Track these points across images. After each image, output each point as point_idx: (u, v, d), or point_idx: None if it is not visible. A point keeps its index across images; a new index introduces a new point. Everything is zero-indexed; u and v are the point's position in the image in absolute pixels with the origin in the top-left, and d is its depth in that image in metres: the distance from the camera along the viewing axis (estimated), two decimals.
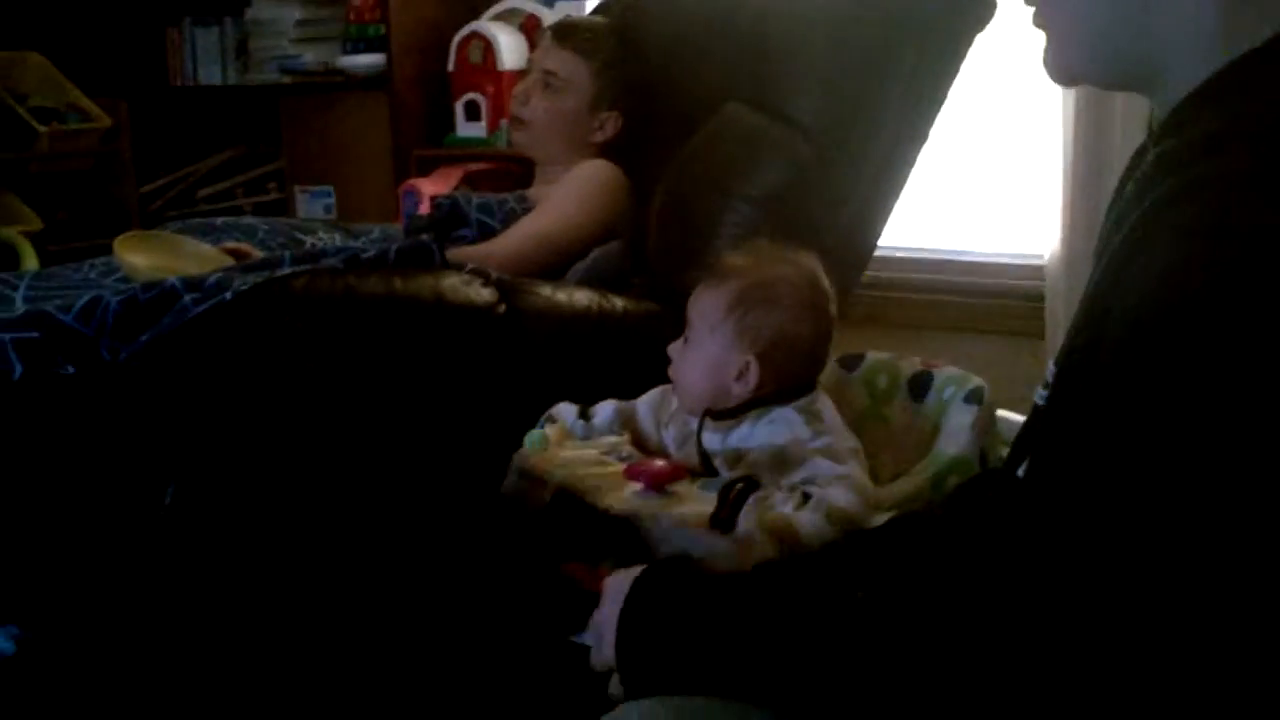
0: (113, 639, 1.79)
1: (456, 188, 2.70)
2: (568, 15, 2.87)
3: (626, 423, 1.64)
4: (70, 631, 1.81)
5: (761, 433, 1.49)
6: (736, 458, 1.50)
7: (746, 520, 1.33)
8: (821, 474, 1.41)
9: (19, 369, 1.81)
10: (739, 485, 1.36)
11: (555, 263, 2.31)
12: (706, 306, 1.53)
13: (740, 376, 1.51)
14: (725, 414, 1.52)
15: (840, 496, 1.37)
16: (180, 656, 1.79)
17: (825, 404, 1.53)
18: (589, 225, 2.36)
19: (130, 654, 1.79)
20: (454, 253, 2.21)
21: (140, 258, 2.22)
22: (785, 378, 1.51)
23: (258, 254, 2.39)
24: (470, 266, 2.11)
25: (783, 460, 1.45)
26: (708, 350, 1.52)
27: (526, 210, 2.41)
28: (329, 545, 1.87)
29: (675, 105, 2.50)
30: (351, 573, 1.87)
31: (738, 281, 1.53)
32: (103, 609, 1.81)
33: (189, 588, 1.79)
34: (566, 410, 1.65)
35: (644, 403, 1.66)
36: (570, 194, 2.40)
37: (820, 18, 2.33)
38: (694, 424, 1.55)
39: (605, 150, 2.49)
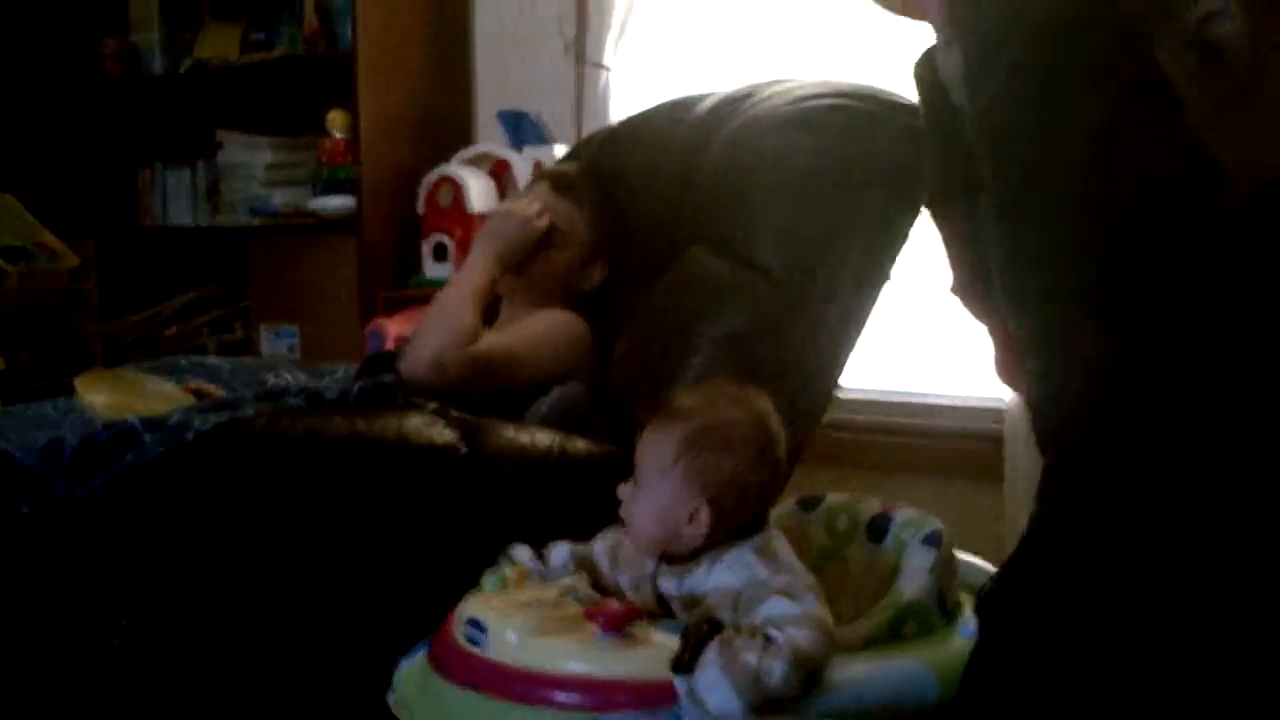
0: None
1: None
2: (551, 163, 2.85)
3: (581, 564, 1.63)
4: None
5: (718, 576, 1.49)
6: (693, 601, 1.49)
7: (709, 666, 1.32)
8: (781, 614, 1.39)
9: None
10: (703, 628, 1.35)
11: (505, 385, 2.30)
12: (655, 450, 1.53)
13: (691, 521, 1.50)
14: (681, 559, 1.52)
15: (803, 638, 1.36)
16: None
17: (780, 542, 1.52)
18: (548, 367, 2.36)
19: None
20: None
21: (100, 396, 2.21)
22: (737, 520, 1.51)
23: (221, 393, 2.39)
24: (433, 406, 2.11)
25: (740, 601, 1.44)
26: (658, 494, 1.52)
27: None
28: (282, 687, 1.85)
29: (641, 248, 2.52)
30: (304, 711, 1.85)
31: (686, 425, 1.52)
32: None
33: None
34: (521, 553, 1.64)
35: (599, 544, 1.65)
36: (539, 332, 2.40)
37: (781, 166, 2.36)
38: (649, 566, 1.55)
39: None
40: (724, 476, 1.50)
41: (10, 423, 2.19)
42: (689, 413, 1.54)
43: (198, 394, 2.37)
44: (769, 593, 1.42)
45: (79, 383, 2.25)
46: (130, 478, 1.86)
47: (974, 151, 1.15)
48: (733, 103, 2.56)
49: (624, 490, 1.57)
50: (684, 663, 1.33)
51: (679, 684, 1.33)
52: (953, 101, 1.20)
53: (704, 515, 1.49)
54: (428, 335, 2.28)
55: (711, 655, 1.32)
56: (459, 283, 2.39)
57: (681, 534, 1.51)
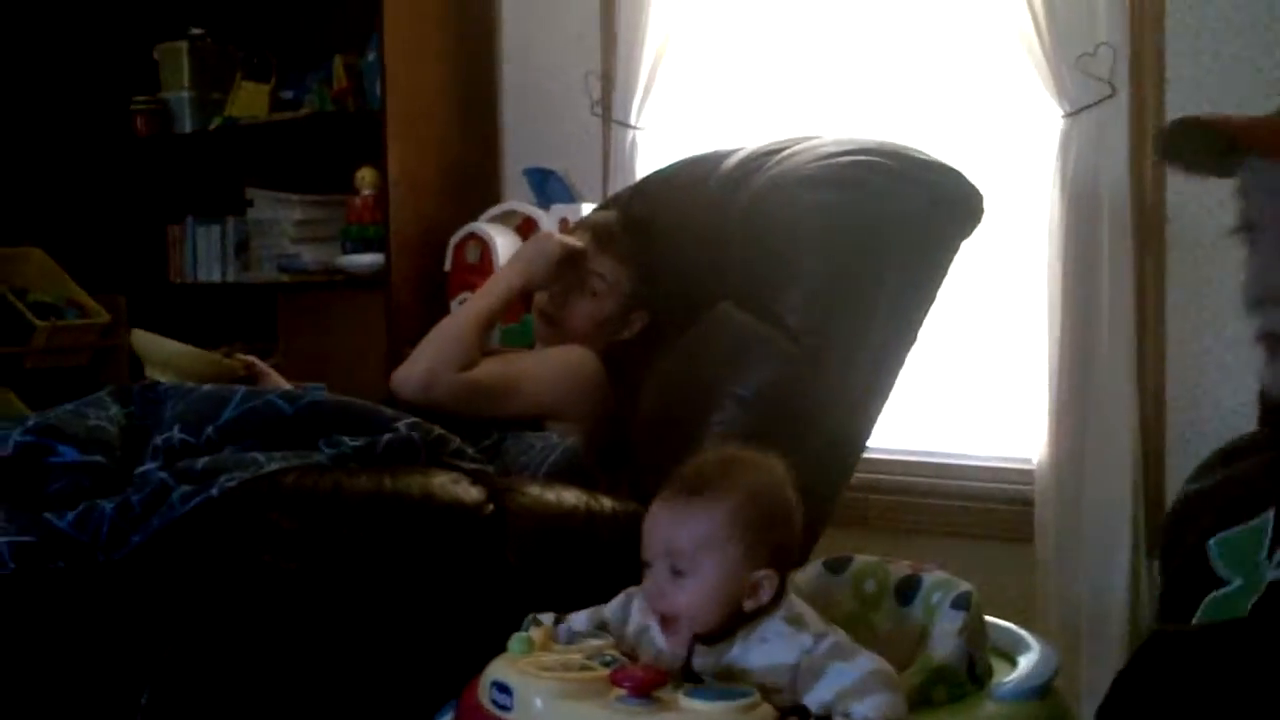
0: None
1: None
2: (598, 217, 2.84)
3: (600, 629, 1.61)
4: None
5: (756, 651, 1.46)
6: (728, 674, 1.46)
7: None
8: (850, 684, 1.37)
9: (11, 566, 1.81)
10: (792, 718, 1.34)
11: (494, 413, 2.35)
12: (703, 531, 1.47)
13: (755, 591, 1.46)
14: (715, 637, 1.48)
15: (886, 705, 1.34)
16: None
17: (798, 603, 1.50)
18: (545, 401, 2.38)
19: None
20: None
21: (156, 349, 2.40)
22: (781, 584, 1.49)
23: (271, 373, 2.53)
24: (456, 445, 2.12)
25: (800, 675, 1.41)
26: (712, 575, 1.46)
27: None
28: None
29: (669, 300, 2.53)
30: None
31: (733, 498, 1.47)
32: None
33: None
34: (545, 620, 1.62)
35: (611, 610, 1.61)
36: (544, 366, 2.43)
37: (807, 223, 2.36)
38: (680, 648, 1.49)
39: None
40: (779, 540, 1.48)
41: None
42: (726, 485, 1.49)
43: (249, 368, 2.51)
44: (826, 660, 1.40)
45: (141, 333, 2.41)
46: (157, 540, 1.86)
47: None
48: (759, 158, 2.57)
49: (657, 586, 1.49)
50: None
51: None
52: None
53: (768, 584, 1.46)
54: (423, 354, 2.35)
55: None
56: (474, 301, 2.44)
57: (739, 607, 1.47)
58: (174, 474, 1.93)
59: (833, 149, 2.48)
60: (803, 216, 2.38)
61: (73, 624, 1.81)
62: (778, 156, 2.54)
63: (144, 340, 2.44)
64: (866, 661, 1.39)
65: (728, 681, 1.45)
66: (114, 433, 2.06)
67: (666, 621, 1.49)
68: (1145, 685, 1.13)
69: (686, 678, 1.47)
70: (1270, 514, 1.17)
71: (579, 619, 1.62)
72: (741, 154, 2.63)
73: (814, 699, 1.37)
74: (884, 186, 2.37)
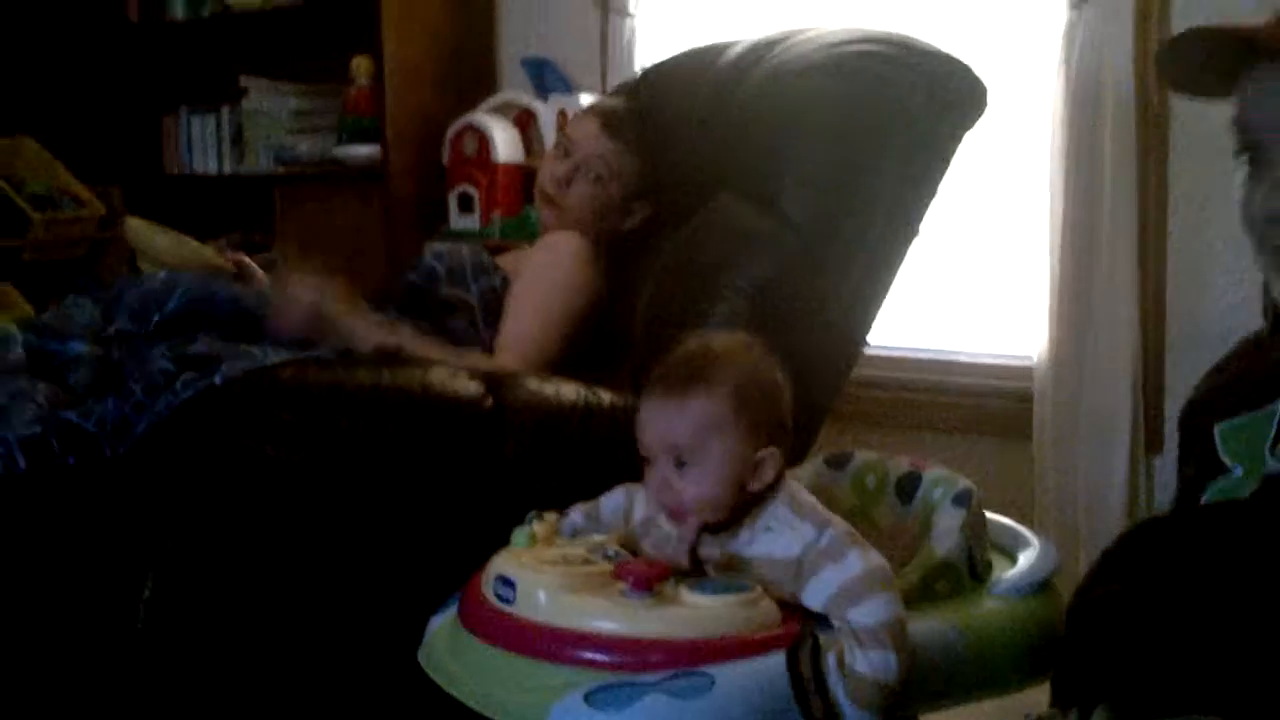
0: None
1: None
2: (576, 112, 2.81)
3: (593, 525, 1.60)
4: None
5: (761, 540, 1.45)
6: (730, 564, 1.46)
7: (842, 704, 1.30)
8: (847, 581, 1.35)
9: (22, 466, 1.83)
10: (810, 641, 1.32)
11: (570, 344, 2.35)
12: (702, 418, 1.44)
13: (758, 470, 1.45)
14: (722, 526, 1.47)
15: (883, 607, 1.33)
16: None
17: (799, 489, 1.49)
18: (583, 304, 2.38)
19: None
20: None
21: (157, 238, 2.40)
22: (783, 463, 1.49)
23: (259, 273, 2.48)
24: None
25: (803, 569, 1.40)
26: (718, 461, 1.44)
27: (503, 282, 2.44)
28: (309, 642, 1.85)
29: (670, 191, 2.52)
30: (331, 666, 1.86)
31: (729, 380, 1.45)
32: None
33: (164, 685, 1.77)
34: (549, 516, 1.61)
35: (608, 506, 1.61)
36: (559, 272, 2.40)
37: (809, 112, 2.34)
38: (688, 535, 1.50)
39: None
40: (775, 418, 1.47)
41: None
42: (716, 370, 1.46)
43: (238, 264, 2.47)
44: (822, 559, 1.38)
45: (134, 223, 2.41)
46: (161, 431, 1.87)
47: None
48: (762, 49, 2.55)
49: (663, 479, 1.47)
50: (808, 692, 1.30)
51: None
52: None
53: (771, 461, 1.45)
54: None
55: (839, 689, 1.30)
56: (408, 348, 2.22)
57: (747, 487, 1.45)
58: (174, 361, 1.94)
59: (835, 38, 2.45)
60: (804, 105, 2.36)
61: (79, 520, 1.83)
62: (780, 46, 2.52)
63: (136, 231, 2.44)
64: (862, 561, 1.37)
65: (731, 572, 1.45)
66: (99, 327, 2.10)
67: (675, 514, 1.48)
68: (1125, 565, 1.14)
69: (693, 566, 1.46)
70: (1279, 404, 1.18)
71: (574, 515, 1.62)
72: (743, 44, 2.60)
73: (812, 598, 1.37)
74: (886, 76, 2.34)
